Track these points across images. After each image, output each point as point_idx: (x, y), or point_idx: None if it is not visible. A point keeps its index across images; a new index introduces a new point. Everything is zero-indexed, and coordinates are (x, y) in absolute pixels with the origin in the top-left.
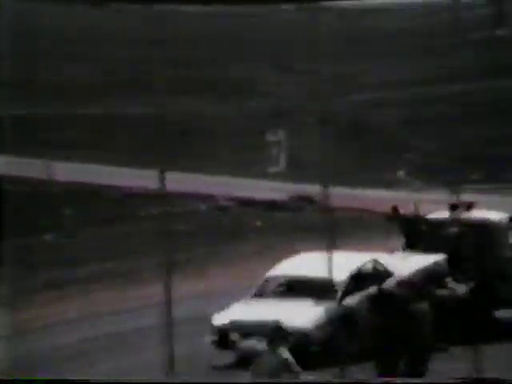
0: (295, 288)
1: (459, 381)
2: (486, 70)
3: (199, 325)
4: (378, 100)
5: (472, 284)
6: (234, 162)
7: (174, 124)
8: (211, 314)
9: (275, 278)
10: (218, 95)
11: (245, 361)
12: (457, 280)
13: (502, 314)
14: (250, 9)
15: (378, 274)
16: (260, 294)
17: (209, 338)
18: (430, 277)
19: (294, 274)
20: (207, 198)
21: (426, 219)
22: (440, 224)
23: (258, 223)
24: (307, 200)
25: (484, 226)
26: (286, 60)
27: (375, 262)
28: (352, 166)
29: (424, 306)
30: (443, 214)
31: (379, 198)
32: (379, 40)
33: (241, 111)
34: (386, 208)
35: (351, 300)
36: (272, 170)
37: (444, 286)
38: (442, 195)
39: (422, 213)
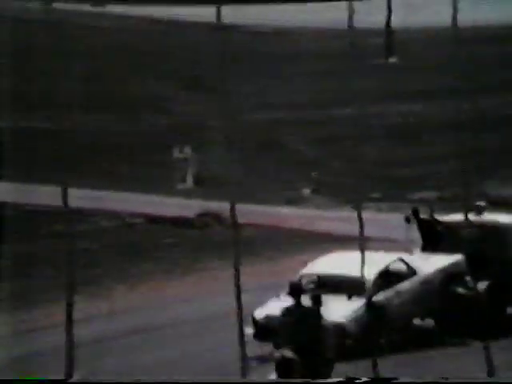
0: (327, 285)
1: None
2: (384, 94)
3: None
4: (285, 119)
5: (488, 283)
6: (141, 178)
7: (78, 139)
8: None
9: (309, 275)
10: (127, 112)
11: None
12: (476, 279)
13: None
14: (163, 27)
15: (404, 272)
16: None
17: (249, 331)
18: (450, 275)
19: (326, 271)
20: (113, 215)
21: (443, 221)
22: (455, 226)
23: (166, 240)
24: (215, 217)
25: (496, 228)
26: (196, 77)
27: (401, 260)
28: (259, 184)
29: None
30: (458, 216)
31: (285, 214)
32: (288, 61)
33: (149, 128)
34: (292, 224)
35: (380, 296)
36: (180, 186)
37: (463, 284)
38: (345, 212)
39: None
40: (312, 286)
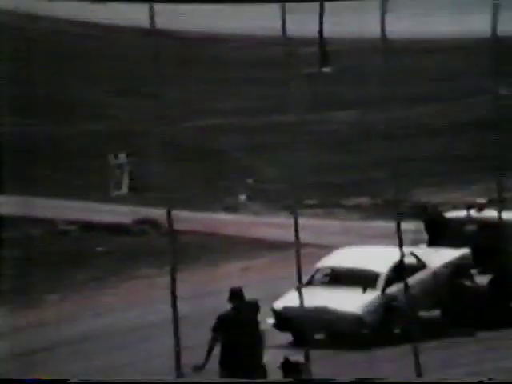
0: (341, 278)
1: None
2: (318, 102)
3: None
4: (221, 125)
5: (491, 277)
6: (75, 184)
7: (10, 144)
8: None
9: (324, 268)
10: (61, 116)
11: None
12: (481, 272)
13: None
14: (98, 32)
15: (415, 266)
16: (310, 282)
17: (269, 321)
18: (457, 269)
19: (341, 265)
20: (46, 222)
21: (447, 217)
22: (459, 222)
23: (100, 248)
24: (151, 224)
25: (497, 224)
26: (132, 83)
27: (412, 254)
28: (196, 190)
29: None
30: (461, 213)
31: (222, 221)
32: (224, 68)
33: (84, 133)
34: (229, 231)
35: (393, 289)
36: (115, 193)
37: (470, 277)
38: (281, 219)
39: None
40: (327, 278)
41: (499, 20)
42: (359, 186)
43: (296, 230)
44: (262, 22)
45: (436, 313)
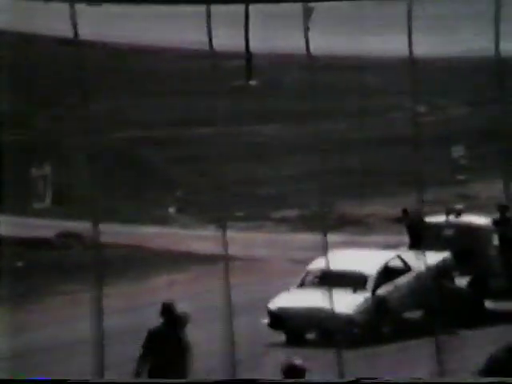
0: (332, 280)
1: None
2: (243, 115)
3: None
4: (147, 137)
5: (469, 278)
6: None
7: None
8: None
9: (314, 271)
10: None
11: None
12: (460, 274)
13: (491, 305)
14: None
15: (401, 268)
16: (302, 284)
17: (264, 320)
18: (440, 271)
19: (331, 267)
20: None
21: (428, 222)
22: (438, 226)
23: (21, 263)
24: (75, 237)
25: (474, 229)
26: (57, 95)
27: (398, 257)
28: (123, 202)
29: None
30: (440, 218)
31: (150, 234)
32: (148, 79)
33: (6, 144)
34: (157, 244)
35: (382, 290)
36: (37, 205)
37: (451, 278)
38: (209, 231)
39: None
40: (317, 280)
41: (420, 41)
42: (286, 198)
43: (224, 243)
44: (188, 34)
45: (420, 313)
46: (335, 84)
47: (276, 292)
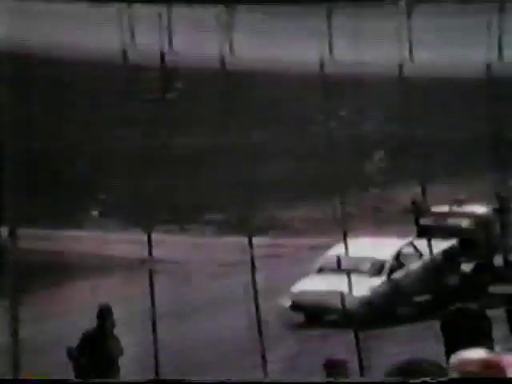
0: (349, 265)
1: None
2: (161, 127)
3: None
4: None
5: (475, 263)
6: None
7: None
8: None
9: (333, 257)
10: None
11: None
12: (466, 261)
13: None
14: None
15: (413, 254)
16: (321, 269)
17: (287, 303)
18: (449, 257)
19: (348, 254)
20: None
21: (434, 211)
22: (443, 215)
23: None
24: None
25: (478, 217)
26: None
27: (411, 244)
28: (43, 206)
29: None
30: (444, 207)
31: (72, 238)
32: (62, 90)
33: None
34: (79, 248)
35: (397, 275)
36: None
37: (458, 265)
38: (134, 235)
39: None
40: (336, 266)
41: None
42: (212, 203)
43: (149, 247)
44: (105, 45)
45: (430, 296)
46: (257, 93)
47: (201, 294)
